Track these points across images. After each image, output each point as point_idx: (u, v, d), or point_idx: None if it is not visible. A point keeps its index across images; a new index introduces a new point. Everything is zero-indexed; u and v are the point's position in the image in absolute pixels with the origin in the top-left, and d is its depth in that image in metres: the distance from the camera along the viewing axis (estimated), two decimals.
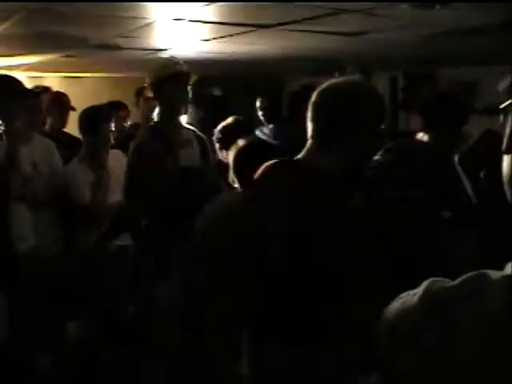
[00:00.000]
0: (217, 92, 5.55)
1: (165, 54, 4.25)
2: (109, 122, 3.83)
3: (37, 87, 5.28)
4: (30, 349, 3.50)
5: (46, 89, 5.12)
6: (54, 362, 3.74)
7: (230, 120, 3.61)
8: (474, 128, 3.36)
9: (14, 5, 2.66)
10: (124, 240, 3.71)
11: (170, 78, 3.27)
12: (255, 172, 2.78)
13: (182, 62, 3.36)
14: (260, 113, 5.19)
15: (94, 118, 3.80)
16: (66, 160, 3.90)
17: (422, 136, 3.11)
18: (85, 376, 3.67)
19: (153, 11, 2.79)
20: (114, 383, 3.62)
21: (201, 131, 3.62)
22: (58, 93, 4.92)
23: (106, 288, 3.64)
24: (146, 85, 3.58)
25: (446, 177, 2.89)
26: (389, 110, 6.24)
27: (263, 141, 3.31)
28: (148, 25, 3.16)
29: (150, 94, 3.63)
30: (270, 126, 4.66)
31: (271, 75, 3.04)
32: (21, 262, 3.39)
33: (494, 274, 0.88)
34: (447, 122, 2.97)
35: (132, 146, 3.37)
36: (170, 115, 3.36)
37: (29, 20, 3.02)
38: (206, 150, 3.49)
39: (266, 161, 2.85)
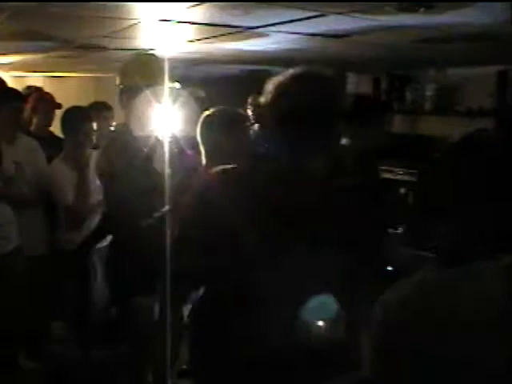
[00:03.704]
0: (200, 93, 5.53)
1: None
2: (90, 121, 3.82)
3: (28, 87, 5.26)
4: (14, 349, 3.49)
5: (38, 89, 5.10)
6: (38, 363, 3.73)
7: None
8: (457, 130, 3.41)
9: None
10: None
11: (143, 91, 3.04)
12: (220, 139, 2.84)
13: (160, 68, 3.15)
14: (250, 109, 5.28)
15: (74, 118, 3.79)
16: (52, 159, 3.89)
17: None
18: (69, 376, 3.67)
19: (138, 12, 2.79)
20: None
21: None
22: (42, 92, 4.90)
23: (89, 288, 3.64)
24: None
25: None
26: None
27: (230, 109, 3.20)
28: (133, 25, 3.16)
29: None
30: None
31: (258, 76, 3.07)
32: (4, 263, 3.38)
33: (489, 263, 0.94)
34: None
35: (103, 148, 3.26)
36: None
37: (13, 19, 3.00)
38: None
39: (231, 128, 2.88)
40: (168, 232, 2.84)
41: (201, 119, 3.00)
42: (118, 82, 3.20)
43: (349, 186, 2.03)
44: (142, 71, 3.11)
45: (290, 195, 1.69)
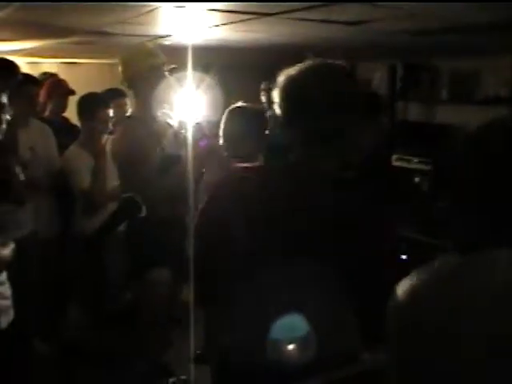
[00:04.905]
0: (215, 81, 5.53)
1: (166, 41, 4.25)
2: (106, 107, 3.84)
3: (44, 73, 5.27)
4: (30, 334, 3.52)
5: (52, 75, 5.12)
6: (52, 347, 3.76)
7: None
8: (475, 119, 3.38)
9: None
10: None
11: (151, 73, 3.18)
12: (241, 134, 2.91)
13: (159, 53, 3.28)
14: (263, 95, 5.28)
15: (91, 104, 3.81)
16: (66, 145, 3.90)
17: None
18: (82, 359, 3.70)
19: None
20: (111, 367, 3.65)
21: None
22: (56, 78, 4.92)
23: (106, 273, 3.67)
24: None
25: None
26: (387, 100, 6.24)
27: (253, 106, 3.29)
28: (151, 11, 3.15)
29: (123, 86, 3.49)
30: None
31: (274, 63, 3.07)
32: (20, 247, 3.41)
33: (505, 251, 0.94)
34: None
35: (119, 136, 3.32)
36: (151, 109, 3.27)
37: (29, 6, 3.01)
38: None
39: (252, 124, 2.95)
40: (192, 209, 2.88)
41: (224, 115, 3.07)
42: (120, 76, 3.31)
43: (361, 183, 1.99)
44: (137, 61, 3.23)
45: (300, 194, 1.64)
